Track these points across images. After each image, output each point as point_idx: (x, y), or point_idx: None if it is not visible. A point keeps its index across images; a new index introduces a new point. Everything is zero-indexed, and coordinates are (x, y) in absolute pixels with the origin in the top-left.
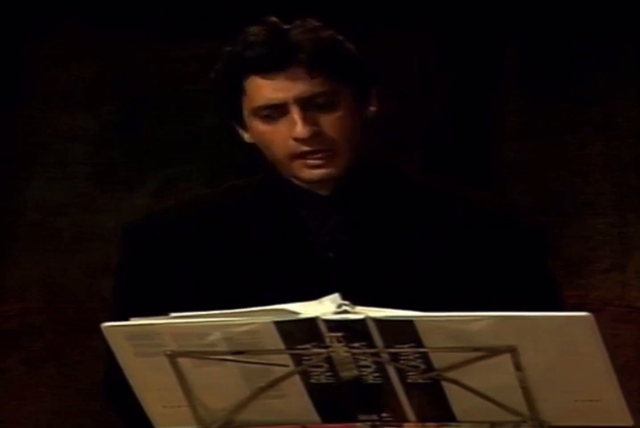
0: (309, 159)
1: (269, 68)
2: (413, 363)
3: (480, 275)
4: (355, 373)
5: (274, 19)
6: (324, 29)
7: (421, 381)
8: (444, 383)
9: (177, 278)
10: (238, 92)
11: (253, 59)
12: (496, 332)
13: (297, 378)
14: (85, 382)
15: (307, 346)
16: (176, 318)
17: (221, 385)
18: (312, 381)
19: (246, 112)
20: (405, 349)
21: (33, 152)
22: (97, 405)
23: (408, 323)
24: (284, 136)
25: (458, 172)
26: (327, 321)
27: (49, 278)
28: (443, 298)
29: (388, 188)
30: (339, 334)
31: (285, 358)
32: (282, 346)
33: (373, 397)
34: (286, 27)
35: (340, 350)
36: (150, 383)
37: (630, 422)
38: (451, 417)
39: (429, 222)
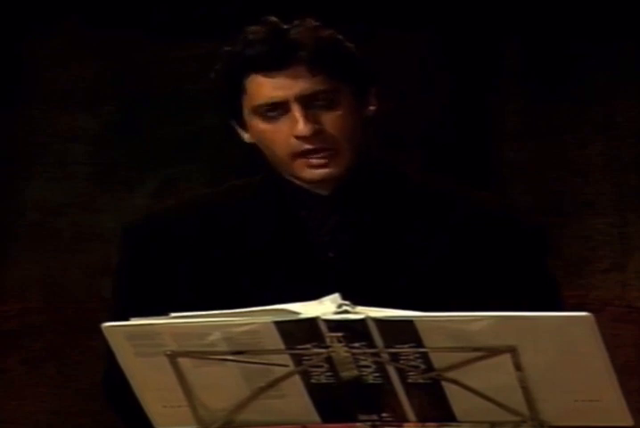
0: (312, 158)
1: (270, 66)
2: (413, 363)
3: (480, 275)
4: (355, 373)
5: (273, 18)
6: (323, 29)
7: (421, 381)
8: (444, 383)
9: (177, 278)
10: (238, 91)
11: (254, 57)
12: (496, 332)
13: (297, 378)
14: (85, 382)
15: (308, 346)
16: (176, 318)
17: (221, 385)
18: (312, 381)
19: (246, 111)
20: (405, 349)
21: (33, 152)
22: (97, 405)
23: (408, 323)
24: (286, 135)
25: (458, 172)
26: (327, 321)
27: (49, 278)
28: (443, 298)
29: (388, 188)
30: (339, 334)
31: (285, 358)
32: (282, 346)
33: (373, 397)
34: (286, 26)
35: (340, 350)
36: (150, 383)
37: (630, 422)
38: (451, 417)
39: (429, 222)
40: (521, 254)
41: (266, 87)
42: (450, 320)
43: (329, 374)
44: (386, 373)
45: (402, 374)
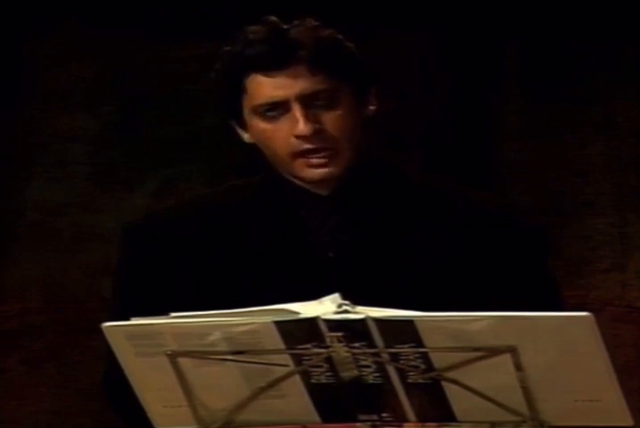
0: (312, 158)
1: (270, 65)
2: (413, 363)
3: (479, 275)
4: (355, 373)
5: (273, 18)
6: (323, 28)
7: (421, 381)
8: (444, 383)
9: (177, 278)
10: (238, 90)
11: (254, 57)
12: (496, 332)
13: (297, 378)
14: (85, 382)
15: (308, 346)
16: (176, 318)
17: (221, 385)
18: (312, 381)
19: (246, 111)
20: (405, 349)
21: (33, 152)
22: (97, 405)
23: (408, 323)
24: (286, 134)
25: (458, 172)
26: (327, 321)
27: (49, 278)
28: (443, 298)
29: (388, 188)
30: (339, 334)
31: (285, 358)
32: (282, 346)
33: (373, 397)
34: (286, 26)
35: (340, 350)
36: (150, 383)
37: (630, 422)
38: (451, 417)
39: (429, 222)
40: (520, 254)
41: (266, 87)
42: (450, 320)
43: (329, 374)
44: (386, 373)
45: (402, 374)
